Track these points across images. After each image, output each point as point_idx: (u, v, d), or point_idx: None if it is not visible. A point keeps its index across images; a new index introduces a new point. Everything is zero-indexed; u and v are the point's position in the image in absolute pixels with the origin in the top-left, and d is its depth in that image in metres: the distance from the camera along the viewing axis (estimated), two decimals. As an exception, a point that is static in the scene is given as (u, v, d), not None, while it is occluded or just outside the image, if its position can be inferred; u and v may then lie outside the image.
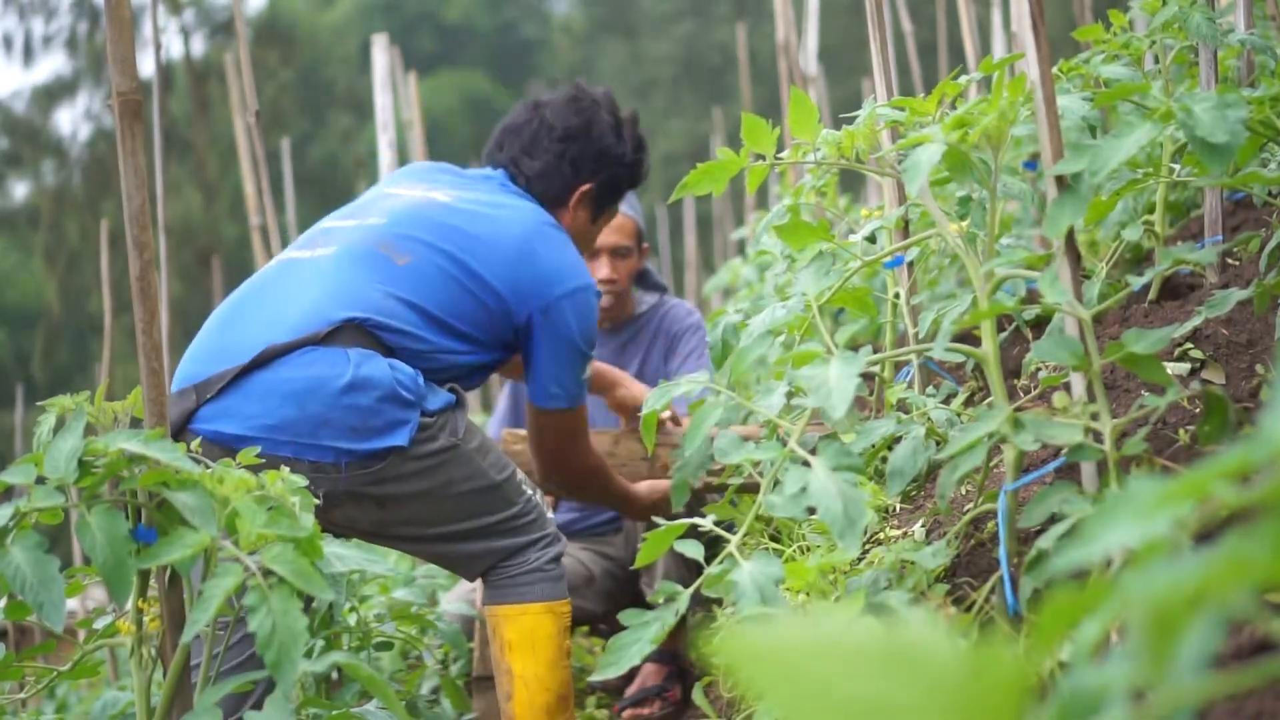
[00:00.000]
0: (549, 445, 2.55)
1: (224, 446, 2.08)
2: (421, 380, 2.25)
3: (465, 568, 2.43)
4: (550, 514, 2.49)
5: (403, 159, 4.33)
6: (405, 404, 2.20)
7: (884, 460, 2.05)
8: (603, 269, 3.24)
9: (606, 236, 3.21)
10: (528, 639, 2.37)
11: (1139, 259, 2.37)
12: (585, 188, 2.64)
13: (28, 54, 20.60)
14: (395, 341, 2.26)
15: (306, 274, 2.32)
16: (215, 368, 2.19)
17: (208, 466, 1.44)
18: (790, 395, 1.46)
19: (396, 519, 2.27)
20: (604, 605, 3.18)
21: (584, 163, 2.63)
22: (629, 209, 3.26)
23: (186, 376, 2.24)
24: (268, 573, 1.36)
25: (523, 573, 2.39)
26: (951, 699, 0.44)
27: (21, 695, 1.56)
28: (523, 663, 2.37)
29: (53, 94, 20.65)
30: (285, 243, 5.07)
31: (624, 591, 3.19)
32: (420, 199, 2.48)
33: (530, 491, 2.44)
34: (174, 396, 2.22)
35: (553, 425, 2.53)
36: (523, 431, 2.83)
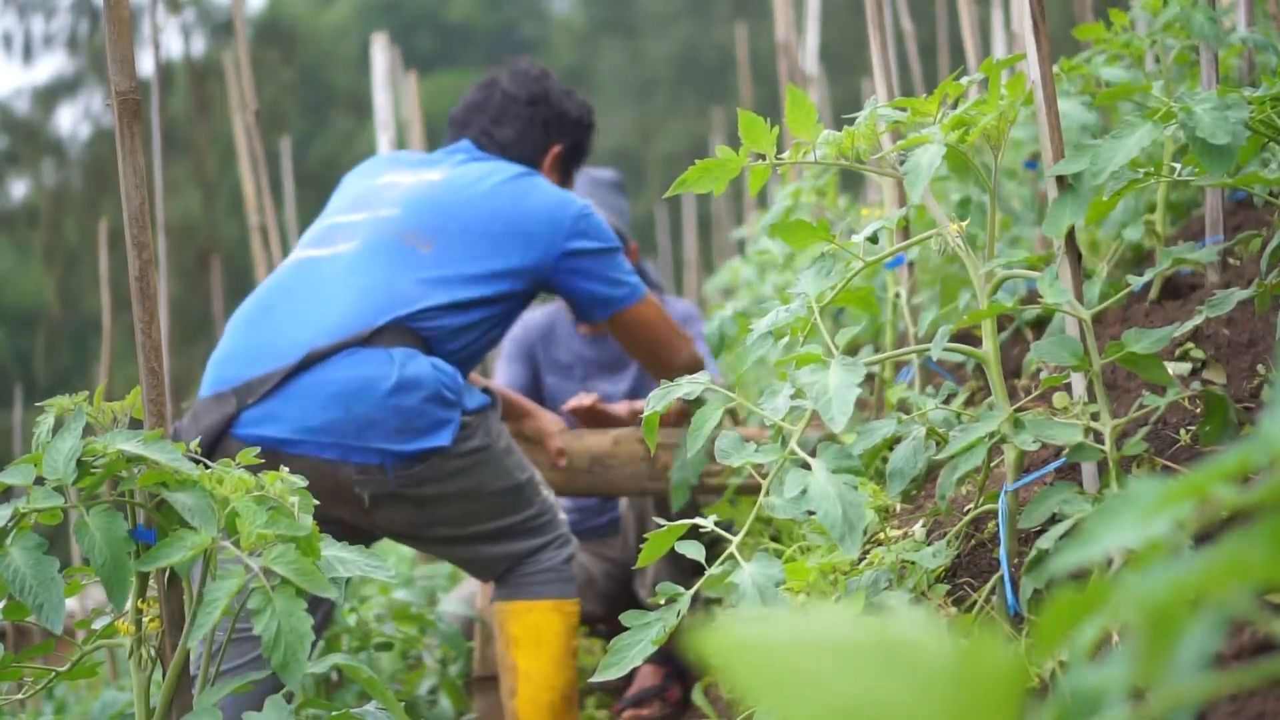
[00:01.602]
0: (651, 337, 2.57)
1: (270, 450, 2.06)
2: (461, 379, 2.27)
3: (487, 569, 2.43)
4: (562, 515, 2.49)
5: (403, 159, 4.32)
6: (448, 404, 2.21)
7: (884, 461, 2.05)
8: None
9: None
10: (533, 635, 2.37)
11: (1140, 259, 2.37)
12: (556, 149, 2.72)
13: (27, 53, 20.59)
14: (435, 325, 2.27)
15: (332, 272, 2.31)
16: (252, 371, 2.17)
17: (208, 467, 1.44)
18: (794, 398, 1.46)
19: (430, 520, 2.28)
20: (604, 607, 3.17)
21: (552, 125, 2.71)
22: (612, 215, 3.26)
23: (221, 380, 2.22)
24: (269, 573, 1.35)
25: (537, 571, 2.39)
26: (948, 698, 0.44)
27: (20, 696, 1.55)
28: (527, 659, 2.36)
29: (52, 93, 20.63)
30: (285, 242, 5.06)
31: (623, 593, 3.19)
32: (421, 183, 2.49)
33: (546, 493, 2.45)
34: (210, 401, 2.19)
35: (643, 318, 2.54)
36: None
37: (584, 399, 2.93)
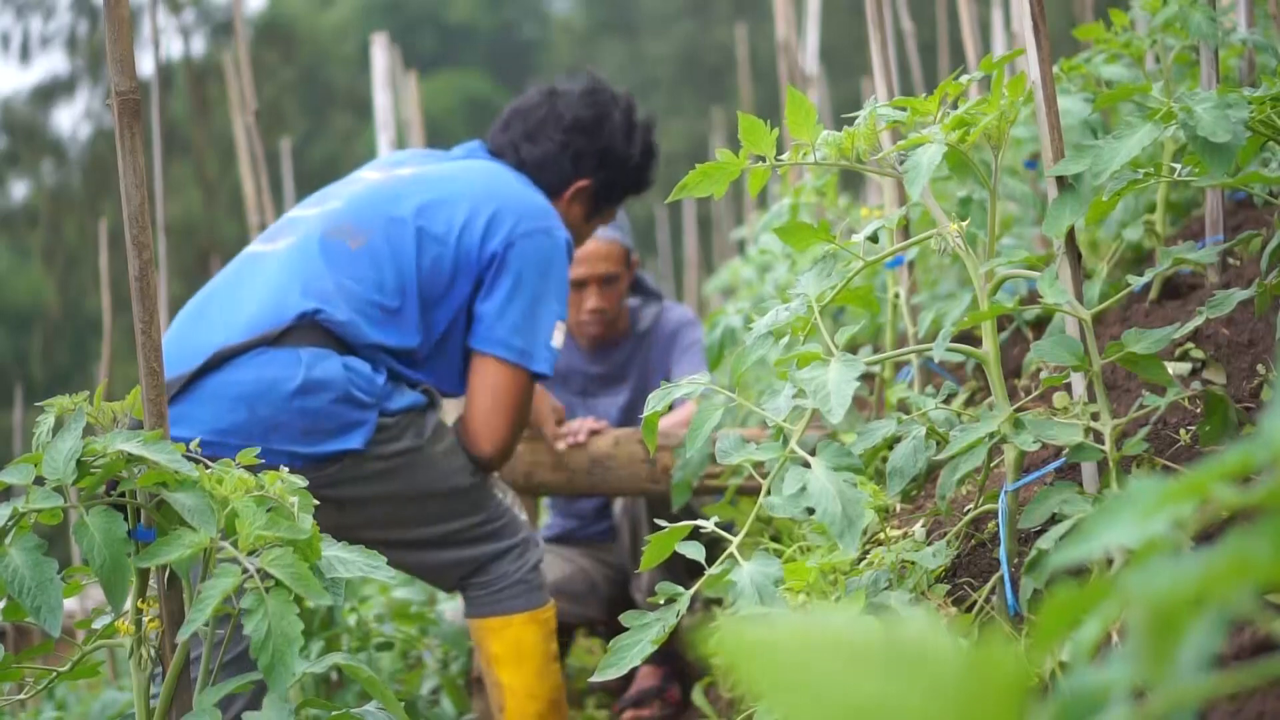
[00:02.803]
0: (489, 404, 2.31)
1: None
2: (382, 380, 2.18)
3: (438, 577, 2.36)
4: (523, 516, 2.43)
5: (402, 159, 4.32)
6: (360, 405, 2.14)
7: (884, 460, 2.05)
8: (591, 299, 3.16)
9: (594, 266, 3.12)
10: (513, 650, 2.33)
11: (1140, 259, 2.37)
12: (583, 183, 2.56)
13: (26, 53, 20.59)
14: (350, 334, 2.18)
15: (264, 268, 2.25)
16: (174, 371, 2.12)
17: (208, 467, 1.44)
18: (795, 397, 1.46)
19: (357, 522, 2.19)
20: (607, 611, 3.17)
21: (586, 158, 2.55)
22: (614, 231, 3.15)
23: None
24: (265, 575, 1.35)
25: (504, 586, 2.33)
26: (952, 699, 0.44)
27: (20, 696, 1.55)
28: (510, 675, 2.34)
29: (52, 93, 20.63)
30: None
31: (623, 596, 3.19)
32: (382, 179, 2.40)
33: (502, 498, 2.37)
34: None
35: (501, 382, 2.31)
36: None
37: (580, 434, 2.79)
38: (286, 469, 2.08)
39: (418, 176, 2.39)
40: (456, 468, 2.29)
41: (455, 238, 2.29)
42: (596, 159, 2.56)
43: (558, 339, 2.35)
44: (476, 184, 2.36)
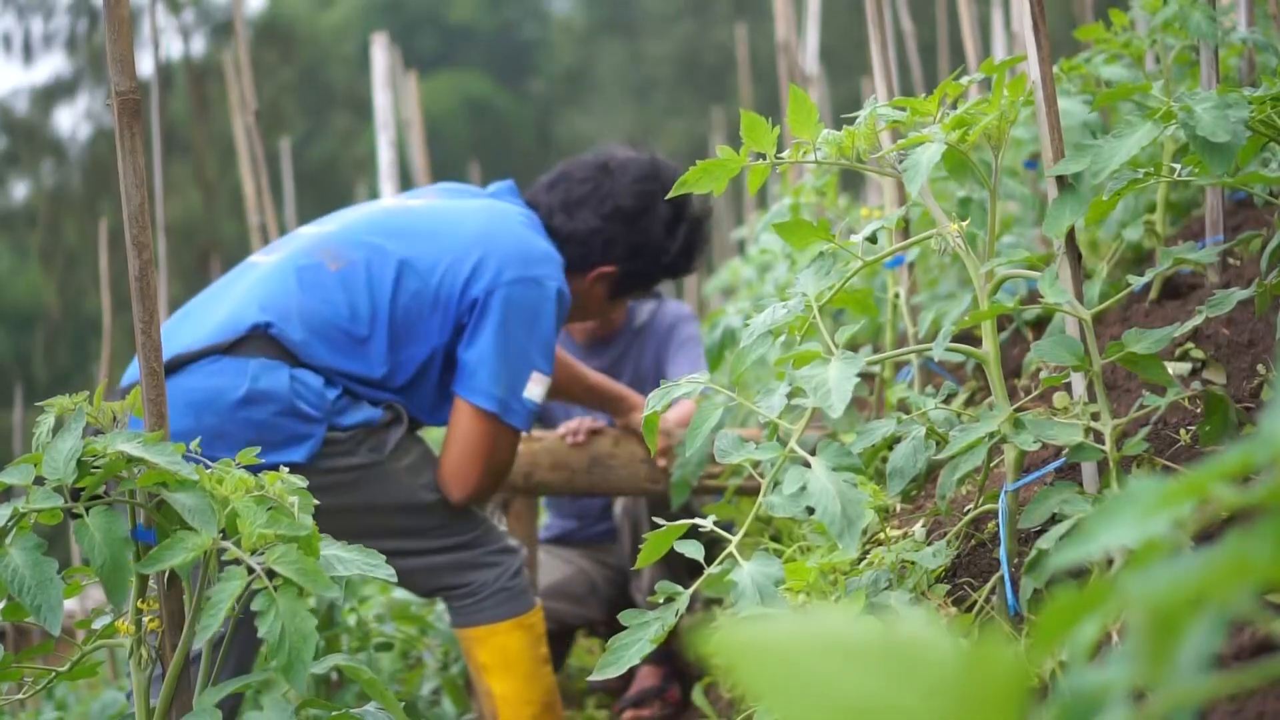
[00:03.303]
0: (458, 453, 2.27)
1: None
2: (335, 395, 2.16)
3: (409, 585, 2.34)
4: (502, 526, 2.41)
5: (402, 159, 4.33)
6: (306, 419, 2.13)
7: (884, 460, 2.05)
8: None
9: None
10: (500, 658, 2.32)
11: (1140, 259, 2.37)
12: (607, 269, 2.50)
13: (26, 53, 20.58)
14: (303, 354, 2.16)
15: (247, 279, 2.25)
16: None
17: (207, 467, 1.44)
18: (791, 396, 1.46)
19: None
20: (607, 612, 3.17)
21: (617, 247, 2.48)
22: None
23: (126, 378, 2.21)
24: (271, 574, 1.35)
25: (486, 595, 2.30)
26: (952, 699, 0.44)
27: (20, 696, 1.55)
28: (500, 683, 2.33)
29: (52, 93, 20.63)
30: (285, 243, 5.06)
31: (623, 597, 3.19)
32: (390, 207, 2.39)
33: (475, 510, 2.35)
34: (113, 397, 2.20)
35: (476, 431, 2.26)
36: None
37: (580, 434, 2.78)
38: None
39: (424, 209, 2.36)
40: (421, 484, 2.27)
41: (438, 277, 2.25)
42: (629, 250, 2.50)
43: (535, 392, 2.28)
44: (475, 225, 2.31)
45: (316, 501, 2.12)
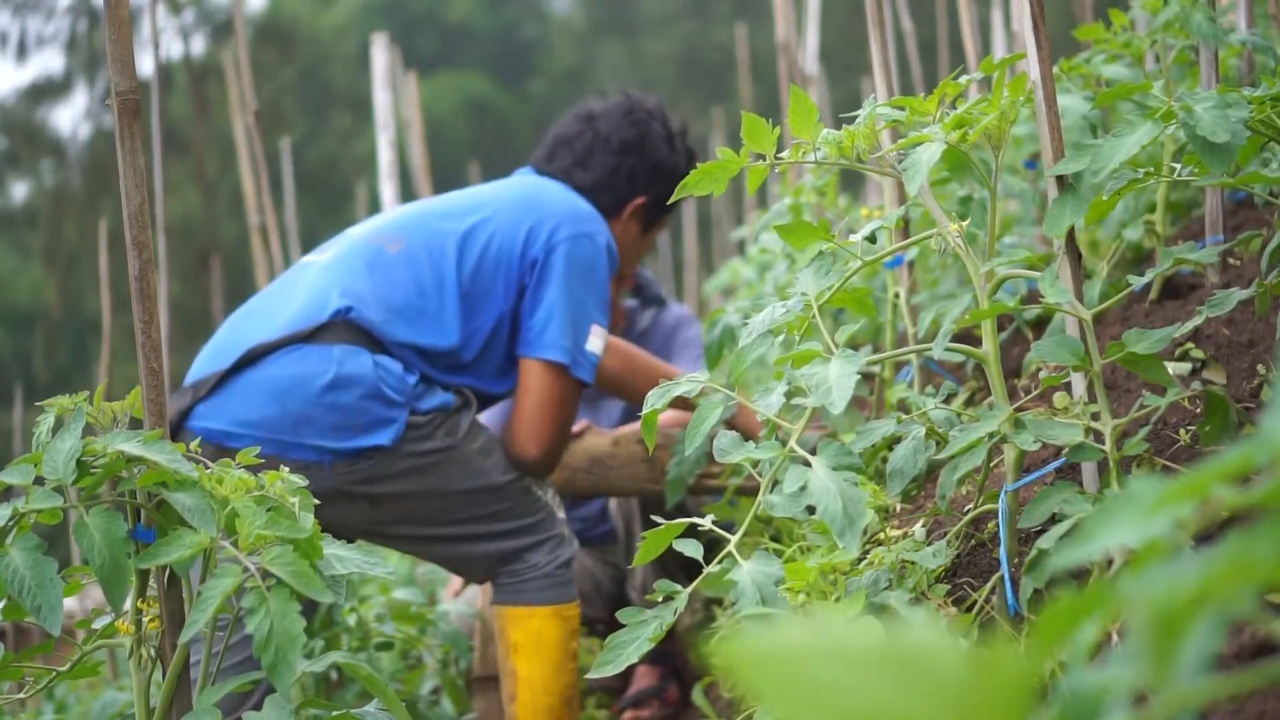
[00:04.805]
0: (531, 410, 2.34)
1: (214, 444, 2.09)
2: (414, 380, 2.23)
3: (468, 569, 2.41)
4: (561, 514, 2.46)
5: (403, 159, 4.33)
6: (390, 403, 2.18)
7: (884, 460, 2.05)
8: None
9: None
10: (533, 641, 2.36)
11: (1140, 258, 2.37)
12: (639, 201, 2.63)
13: (26, 53, 20.58)
14: (383, 333, 2.23)
15: (307, 276, 2.34)
16: (212, 367, 2.21)
17: (207, 466, 1.44)
18: (789, 395, 1.46)
19: (391, 518, 2.26)
20: (609, 611, 3.18)
21: (639, 176, 2.62)
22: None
23: (191, 374, 2.26)
24: (266, 574, 1.35)
25: (533, 577, 2.36)
26: (954, 702, 0.44)
27: (20, 696, 1.55)
28: (528, 665, 2.36)
29: (52, 93, 20.62)
30: (285, 242, 5.08)
31: (624, 596, 3.20)
32: (426, 200, 2.52)
33: (540, 493, 2.41)
34: (175, 394, 2.23)
35: (548, 386, 2.34)
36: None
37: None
38: (318, 464, 2.12)
39: (462, 194, 2.49)
40: (491, 465, 2.33)
41: (497, 244, 2.35)
42: (648, 175, 2.63)
43: (596, 345, 2.38)
44: (520, 194, 2.44)
45: (402, 487, 2.20)
